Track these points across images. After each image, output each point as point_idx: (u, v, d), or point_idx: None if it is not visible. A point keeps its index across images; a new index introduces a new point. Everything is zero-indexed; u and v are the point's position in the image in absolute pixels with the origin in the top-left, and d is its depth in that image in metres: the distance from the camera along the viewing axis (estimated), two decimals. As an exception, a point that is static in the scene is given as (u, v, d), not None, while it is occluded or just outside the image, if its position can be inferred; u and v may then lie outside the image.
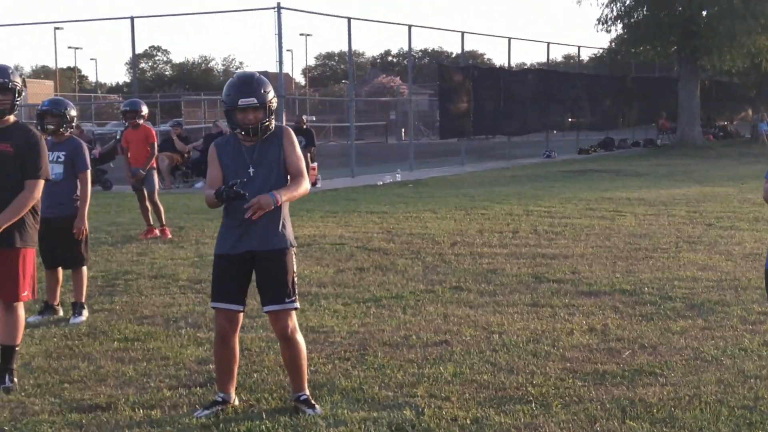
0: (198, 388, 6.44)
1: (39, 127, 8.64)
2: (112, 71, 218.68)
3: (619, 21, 41.78)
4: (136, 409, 5.99)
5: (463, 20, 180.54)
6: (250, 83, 5.84)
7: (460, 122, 30.92)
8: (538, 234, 13.68)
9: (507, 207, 17.39)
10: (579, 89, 40.14)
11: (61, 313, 8.93)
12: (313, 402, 5.95)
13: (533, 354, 7.19)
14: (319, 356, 7.22)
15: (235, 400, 6.10)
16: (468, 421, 5.71)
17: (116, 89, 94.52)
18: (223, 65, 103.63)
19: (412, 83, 31.43)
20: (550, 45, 41.59)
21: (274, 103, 5.88)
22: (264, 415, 5.83)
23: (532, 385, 6.40)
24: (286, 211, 5.94)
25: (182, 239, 13.64)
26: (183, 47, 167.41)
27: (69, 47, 73.97)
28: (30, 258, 6.65)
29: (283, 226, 5.90)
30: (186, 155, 23.31)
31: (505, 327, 8.07)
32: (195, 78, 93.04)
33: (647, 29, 40.32)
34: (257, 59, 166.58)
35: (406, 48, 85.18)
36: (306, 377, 6.05)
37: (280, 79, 25.22)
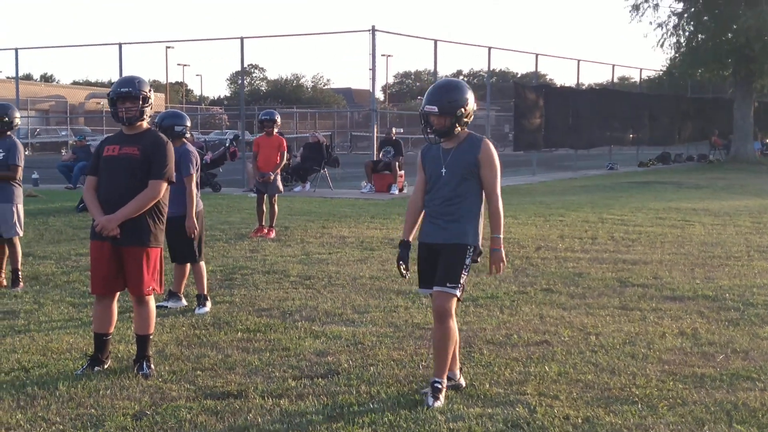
0: (320, 379, 6.18)
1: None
2: (214, 86, 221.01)
3: (678, 46, 40.91)
4: (266, 398, 5.77)
5: (533, 43, 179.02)
6: (437, 92, 5.70)
7: (532, 136, 30.48)
8: (615, 240, 13.24)
9: (582, 214, 16.91)
10: (639, 108, 39.37)
11: (185, 302, 8.79)
12: (440, 395, 5.66)
13: (631, 356, 6.83)
14: (428, 352, 6.92)
15: (461, 380, 6.02)
16: (579, 420, 5.37)
17: (218, 102, 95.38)
18: (312, 82, 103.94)
19: (488, 100, 30.91)
20: (615, 67, 40.82)
21: (462, 112, 5.65)
22: (385, 408, 5.57)
23: (635, 386, 6.04)
24: (476, 211, 5.78)
25: (288, 238, 13.47)
26: (277, 65, 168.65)
27: (178, 64, 74.72)
28: (155, 256, 6.45)
29: (470, 224, 5.74)
30: (286, 162, 23.17)
31: (599, 329, 7.72)
32: (287, 93, 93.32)
33: (705, 54, 39.43)
34: (343, 77, 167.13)
35: (476, 68, 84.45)
36: (445, 365, 5.75)
37: (372, 96, 25.01)
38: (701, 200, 20.49)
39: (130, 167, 6.35)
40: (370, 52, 23.28)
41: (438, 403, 5.60)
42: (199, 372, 6.37)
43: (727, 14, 38.71)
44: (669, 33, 40.94)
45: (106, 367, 6.44)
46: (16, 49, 29.03)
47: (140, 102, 6.43)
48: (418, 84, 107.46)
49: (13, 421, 5.33)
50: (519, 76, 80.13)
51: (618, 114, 36.97)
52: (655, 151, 41.73)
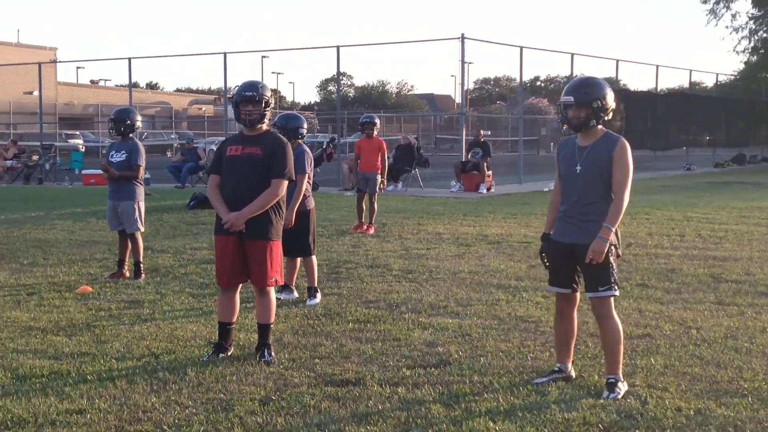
0: (433, 369, 6.08)
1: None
2: (305, 92, 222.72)
3: (755, 50, 39.83)
4: (383, 386, 5.68)
5: (612, 48, 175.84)
6: (575, 85, 5.57)
7: (613, 138, 29.98)
8: (703, 238, 12.85)
9: (667, 213, 16.49)
10: (715, 111, 38.50)
11: (296, 294, 8.77)
12: (617, 388, 5.47)
13: (734, 350, 6.57)
14: (535, 344, 6.79)
15: (572, 372, 5.82)
16: (692, 412, 5.17)
17: (308, 107, 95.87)
18: (396, 88, 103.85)
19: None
20: (692, 72, 39.88)
21: (599, 105, 5.43)
22: (499, 397, 5.44)
23: (743, 380, 5.80)
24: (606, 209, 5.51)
25: (387, 234, 13.40)
26: (362, 72, 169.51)
27: (272, 72, 75.27)
28: (277, 249, 6.46)
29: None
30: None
31: (699, 323, 7.45)
32: (374, 99, 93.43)
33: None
34: (425, 83, 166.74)
35: (553, 74, 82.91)
36: (616, 362, 5.56)
37: (463, 100, 24.84)
38: (782, 199, 19.82)
39: (253, 166, 6.35)
40: (459, 59, 23.10)
41: (616, 395, 5.42)
42: (317, 360, 6.33)
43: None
44: (745, 37, 39.92)
45: (229, 354, 6.44)
46: (129, 59, 29.63)
47: (262, 106, 6.43)
48: (497, 90, 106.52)
49: (148, 404, 5.35)
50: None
51: (695, 117, 36.26)
52: (730, 152, 40.68)
